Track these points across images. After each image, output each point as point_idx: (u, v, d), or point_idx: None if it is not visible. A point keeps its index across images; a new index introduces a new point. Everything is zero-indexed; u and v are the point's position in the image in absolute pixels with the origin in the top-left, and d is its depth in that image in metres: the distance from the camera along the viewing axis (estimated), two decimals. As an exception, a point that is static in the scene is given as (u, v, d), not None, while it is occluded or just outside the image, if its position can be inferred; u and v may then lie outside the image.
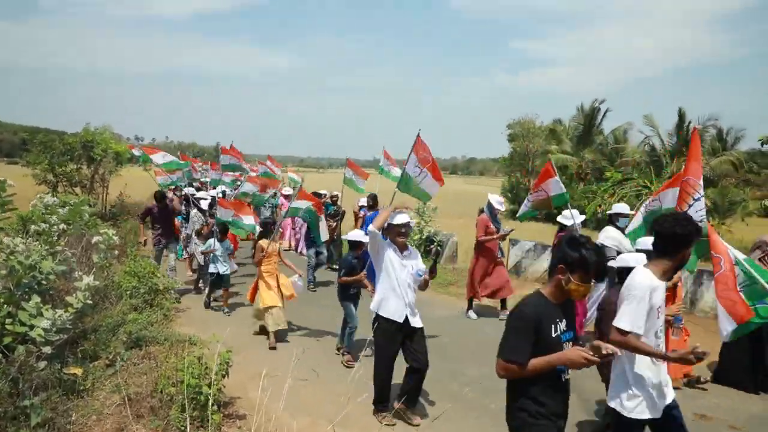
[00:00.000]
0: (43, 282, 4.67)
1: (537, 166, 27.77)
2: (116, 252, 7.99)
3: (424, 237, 11.84)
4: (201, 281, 9.07)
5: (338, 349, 6.40)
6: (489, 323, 7.89)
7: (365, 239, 5.61)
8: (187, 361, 4.23)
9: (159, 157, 13.72)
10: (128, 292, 7.00)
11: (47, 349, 4.13)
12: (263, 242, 6.83)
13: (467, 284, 8.36)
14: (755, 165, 22.76)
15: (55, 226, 6.42)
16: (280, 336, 6.90)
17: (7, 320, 4.17)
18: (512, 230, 8.83)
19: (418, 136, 6.51)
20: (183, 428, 4.07)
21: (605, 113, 27.24)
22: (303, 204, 7.17)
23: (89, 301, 4.77)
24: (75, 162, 15.93)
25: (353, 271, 6.06)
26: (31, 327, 4.14)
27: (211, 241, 8.13)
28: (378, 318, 4.70)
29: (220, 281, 7.96)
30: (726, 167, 20.56)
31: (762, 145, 13.06)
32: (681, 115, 22.08)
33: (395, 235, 4.71)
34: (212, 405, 4.06)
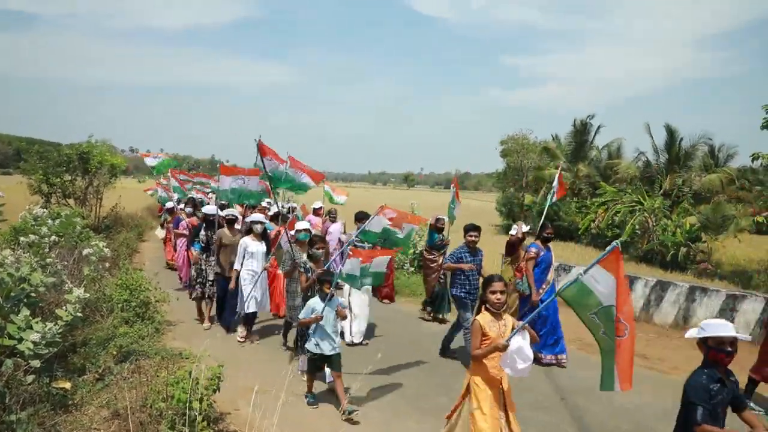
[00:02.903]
0: (33, 294, 4.63)
1: (530, 181, 27.94)
2: (107, 264, 7.94)
3: (417, 252, 11.82)
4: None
5: None
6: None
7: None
8: (178, 375, 4.20)
9: (150, 160, 13.43)
10: (119, 305, 6.94)
11: (36, 363, 4.09)
12: (483, 318, 3.89)
13: (758, 362, 6.11)
14: (747, 182, 22.94)
15: (47, 238, 6.38)
16: (275, 349, 6.84)
17: (-4, 333, 4.13)
18: None
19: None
20: (172, 444, 4.02)
21: (598, 129, 27.50)
22: (406, 228, 6.22)
23: (79, 314, 4.73)
24: (70, 173, 15.90)
25: None
26: (20, 340, 4.10)
27: (313, 302, 5.17)
28: None
29: (326, 362, 5.27)
30: (718, 184, 20.73)
31: (753, 161, 13.18)
32: (671, 132, 22.31)
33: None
34: (202, 421, 4.02)
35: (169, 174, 14.51)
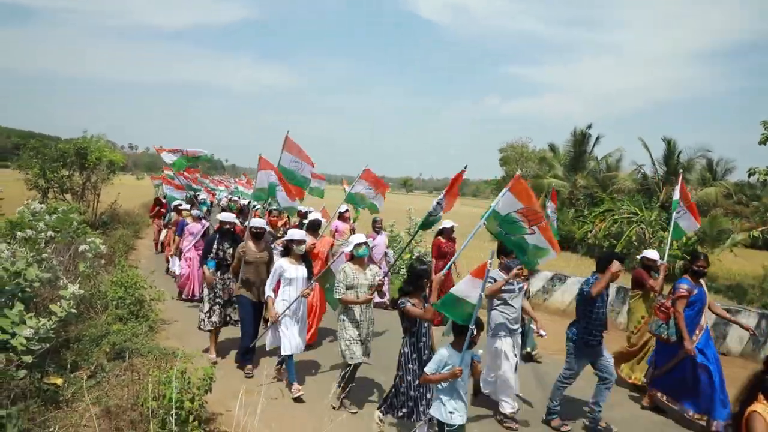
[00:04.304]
0: (28, 289, 4.63)
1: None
2: (103, 261, 7.92)
3: (414, 257, 11.74)
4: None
5: None
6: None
7: None
8: (170, 374, 4.19)
9: (168, 156, 12.51)
10: (114, 303, 6.93)
11: (28, 358, 4.08)
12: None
13: None
14: (744, 196, 23.08)
15: (43, 234, 6.36)
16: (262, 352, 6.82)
17: (-11, 327, 4.12)
18: None
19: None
20: (162, 443, 4.01)
21: (597, 139, 27.59)
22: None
23: (73, 310, 4.71)
24: (67, 168, 15.87)
25: None
26: (13, 335, 4.09)
27: (447, 352, 3.89)
28: None
29: None
30: (714, 197, 20.85)
31: (749, 176, 13.26)
32: (670, 145, 22.42)
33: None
34: (193, 421, 4.02)
35: (171, 173, 13.72)
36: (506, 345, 5.27)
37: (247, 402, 4.13)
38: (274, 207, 9.67)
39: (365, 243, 5.37)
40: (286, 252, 5.86)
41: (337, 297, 5.26)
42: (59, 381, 4.50)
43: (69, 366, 5.19)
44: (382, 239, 9.69)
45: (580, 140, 27.42)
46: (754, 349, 8.08)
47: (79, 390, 4.77)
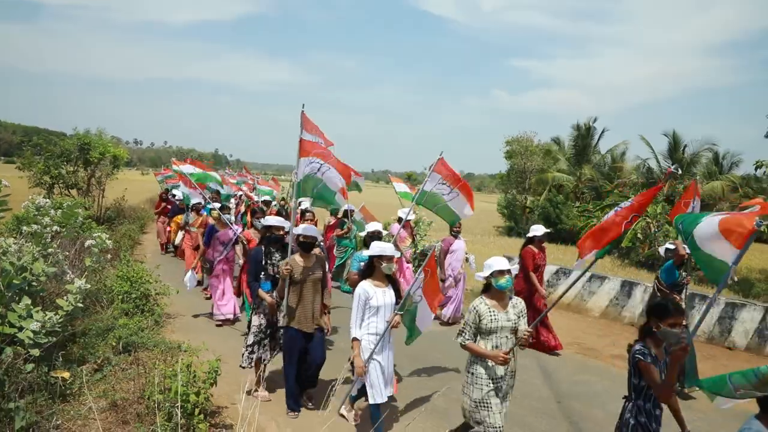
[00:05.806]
0: (34, 284, 4.66)
1: (533, 183, 27.95)
2: (109, 256, 7.96)
3: (419, 251, 11.77)
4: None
5: None
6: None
7: None
8: (176, 368, 4.22)
9: (188, 168, 11.17)
10: (120, 297, 6.98)
11: (35, 352, 4.11)
12: None
13: None
14: (751, 190, 22.95)
15: (48, 228, 6.40)
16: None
17: (-4, 321, 4.16)
18: None
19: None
20: (168, 436, 4.04)
21: (602, 132, 27.52)
22: None
23: (80, 305, 4.75)
24: (71, 165, 15.94)
25: None
26: (20, 329, 4.12)
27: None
28: None
29: None
30: (720, 191, 20.75)
31: (756, 169, 13.20)
32: (675, 139, 22.33)
33: None
34: (199, 414, 4.05)
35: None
36: None
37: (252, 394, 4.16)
38: (306, 207, 8.60)
39: (508, 271, 3.86)
40: (368, 272, 4.38)
41: (462, 342, 3.91)
42: (66, 374, 4.54)
43: (76, 360, 5.23)
44: (460, 245, 8.42)
45: (585, 134, 27.35)
46: (759, 343, 8.06)
47: (85, 383, 4.81)
